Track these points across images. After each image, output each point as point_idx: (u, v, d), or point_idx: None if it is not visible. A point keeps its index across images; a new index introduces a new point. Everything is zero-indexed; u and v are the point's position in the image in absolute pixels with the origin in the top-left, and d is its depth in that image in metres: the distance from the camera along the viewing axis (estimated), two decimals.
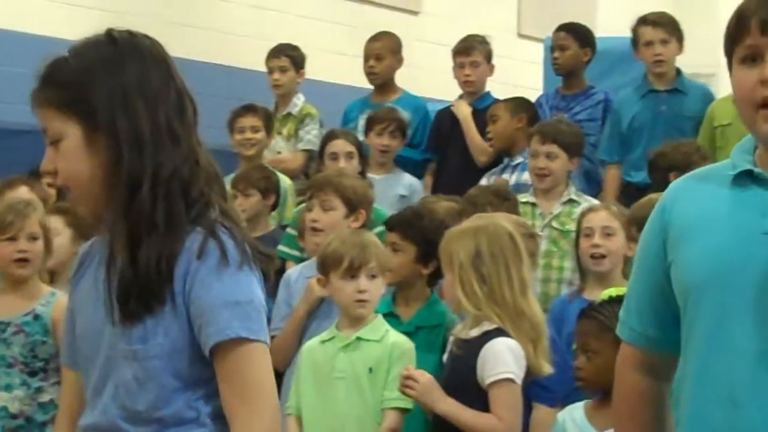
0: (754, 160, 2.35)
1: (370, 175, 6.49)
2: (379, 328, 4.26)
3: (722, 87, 6.63)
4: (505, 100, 6.92)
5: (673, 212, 2.41)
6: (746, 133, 2.39)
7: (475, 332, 3.92)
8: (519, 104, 6.84)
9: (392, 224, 4.82)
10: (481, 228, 4.00)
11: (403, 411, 4.13)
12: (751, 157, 2.36)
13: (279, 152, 7.34)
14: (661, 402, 2.47)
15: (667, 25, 6.75)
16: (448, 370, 4.04)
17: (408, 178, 6.87)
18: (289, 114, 7.48)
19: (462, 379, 3.90)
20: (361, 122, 7.14)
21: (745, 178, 2.33)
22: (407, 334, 4.34)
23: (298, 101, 7.53)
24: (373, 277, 4.24)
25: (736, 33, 2.32)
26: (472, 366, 3.88)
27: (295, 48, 7.65)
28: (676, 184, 2.49)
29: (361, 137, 6.84)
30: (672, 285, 2.39)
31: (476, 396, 3.87)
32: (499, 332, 3.88)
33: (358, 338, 4.24)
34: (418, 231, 4.66)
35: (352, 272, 4.23)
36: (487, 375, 3.85)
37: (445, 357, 4.13)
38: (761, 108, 2.28)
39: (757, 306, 2.25)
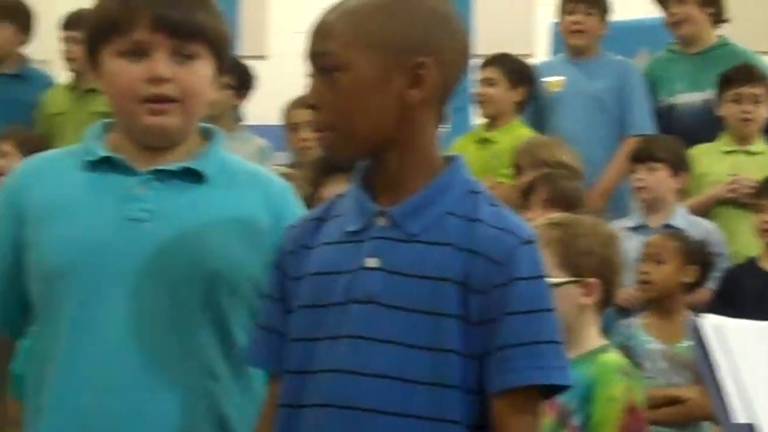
0: (108, 146, 2.36)
1: None
2: None
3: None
4: None
5: (24, 194, 2.35)
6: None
7: None
8: None
9: None
10: None
11: None
12: (101, 142, 2.37)
13: None
14: None
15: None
16: None
17: None
18: None
19: None
20: None
21: (104, 164, 2.34)
22: None
23: None
24: None
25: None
26: None
27: None
28: (27, 164, 2.45)
29: None
30: (27, 267, 2.34)
31: None
32: None
33: None
34: None
35: None
36: None
37: None
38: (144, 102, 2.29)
39: (123, 291, 2.26)
